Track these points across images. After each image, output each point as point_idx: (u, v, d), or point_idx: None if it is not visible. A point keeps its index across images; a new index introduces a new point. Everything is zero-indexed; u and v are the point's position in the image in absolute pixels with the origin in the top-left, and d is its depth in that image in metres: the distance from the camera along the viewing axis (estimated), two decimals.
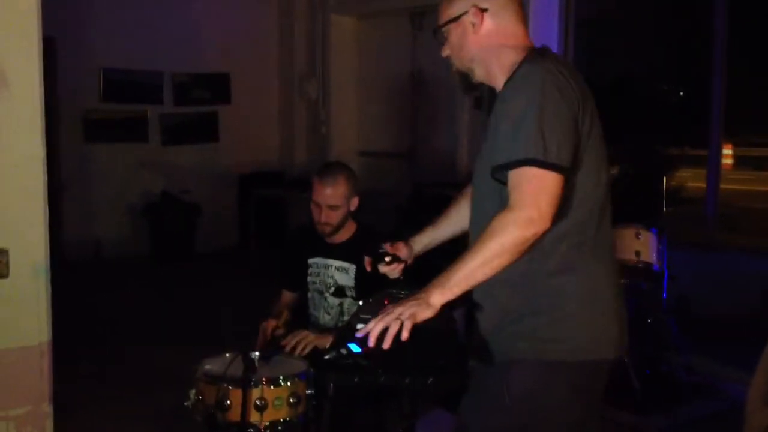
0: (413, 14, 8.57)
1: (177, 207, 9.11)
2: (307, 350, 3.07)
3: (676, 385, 4.99)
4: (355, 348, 1.97)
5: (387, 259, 2.55)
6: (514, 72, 2.16)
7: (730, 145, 17.11)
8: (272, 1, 10.10)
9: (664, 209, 5.25)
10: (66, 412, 4.03)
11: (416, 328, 1.98)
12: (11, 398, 3.33)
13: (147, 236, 9.10)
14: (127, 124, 9.17)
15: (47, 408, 3.40)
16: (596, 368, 2.19)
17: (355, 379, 1.96)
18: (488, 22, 2.25)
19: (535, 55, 2.19)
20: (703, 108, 6.77)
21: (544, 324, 2.13)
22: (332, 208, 3.35)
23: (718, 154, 6.66)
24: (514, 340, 2.15)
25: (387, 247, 2.60)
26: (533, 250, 2.09)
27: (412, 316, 1.99)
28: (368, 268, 2.60)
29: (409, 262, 2.61)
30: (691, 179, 9.41)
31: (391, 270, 2.57)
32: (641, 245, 4.93)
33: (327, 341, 3.02)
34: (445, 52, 2.35)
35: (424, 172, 8.49)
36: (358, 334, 1.98)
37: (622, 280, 4.94)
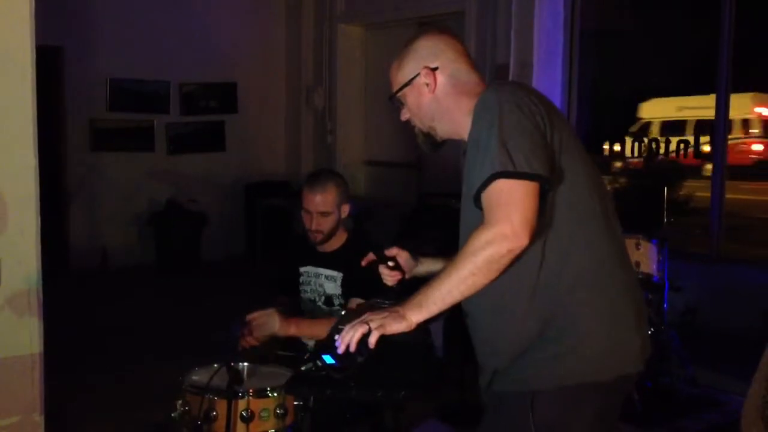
0: (420, 24, 8.57)
1: (183, 216, 9.12)
2: (261, 334, 3.06)
3: (678, 397, 4.95)
4: (329, 360, 1.95)
5: (390, 263, 2.51)
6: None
7: None
8: (280, 10, 10.13)
9: (666, 220, 5.19)
10: (59, 421, 4.04)
11: (390, 342, 1.96)
12: (2, 408, 3.34)
13: (153, 245, 9.12)
14: (134, 133, 9.20)
15: (38, 418, 3.41)
16: (621, 384, 2.16)
17: (328, 392, 1.93)
18: (441, 79, 2.27)
19: (490, 86, 2.20)
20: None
21: (566, 349, 2.08)
22: (323, 215, 3.35)
23: (723, 165, 6.62)
24: (537, 368, 2.10)
25: (393, 251, 2.55)
26: (545, 274, 2.07)
27: (382, 326, 1.96)
28: (363, 263, 2.56)
29: (408, 276, 2.56)
30: (702, 189, 9.34)
31: (391, 276, 2.52)
32: (641, 256, 4.89)
33: (285, 329, 3.05)
34: (405, 116, 2.37)
35: (431, 183, 8.48)
36: (339, 350, 1.96)
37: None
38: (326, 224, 3.37)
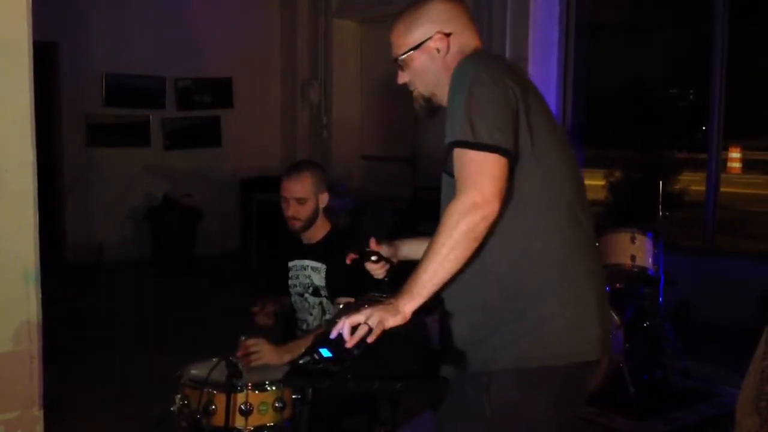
0: None
1: (178, 211, 9.12)
2: (256, 363, 3.01)
3: (673, 390, 4.97)
4: (326, 353, 1.96)
5: (374, 258, 2.51)
6: None
7: (738, 149, 17.09)
8: (275, 5, 10.12)
9: (661, 213, 5.21)
10: (57, 416, 4.05)
11: (386, 333, 1.97)
12: (1, 402, 3.35)
13: (149, 240, 9.12)
14: (129, 128, 9.19)
15: (37, 412, 3.43)
16: (579, 371, 2.15)
17: (325, 384, 1.94)
18: (453, 47, 2.24)
19: (470, 55, 2.20)
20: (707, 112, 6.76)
21: (525, 331, 2.09)
22: (299, 201, 3.37)
23: (717, 159, 6.66)
24: (496, 350, 2.11)
25: (372, 244, 2.56)
26: (509, 252, 2.07)
27: (381, 322, 1.97)
28: (347, 261, 2.58)
29: (395, 262, 2.57)
30: (698, 183, 9.43)
31: (377, 269, 2.53)
32: (636, 249, 4.90)
33: (280, 359, 3.02)
34: (403, 79, 2.31)
35: (425, 176, 8.49)
36: (331, 335, 1.97)
37: (618, 285, 5.02)
38: (303, 212, 3.39)
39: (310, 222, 3.42)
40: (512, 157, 2.01)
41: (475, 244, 2.00)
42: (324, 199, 3.44)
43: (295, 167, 3.49)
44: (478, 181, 1.95)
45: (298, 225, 3.41)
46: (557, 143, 2.16)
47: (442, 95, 2.27)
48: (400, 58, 2.29)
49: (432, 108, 2.33)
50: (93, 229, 9.02)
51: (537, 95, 2.18)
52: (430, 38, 2.23)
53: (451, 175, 2.07)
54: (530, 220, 2.08)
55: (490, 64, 2.10)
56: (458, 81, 2.09)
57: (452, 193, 2.05)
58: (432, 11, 2.25)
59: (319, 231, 3.47)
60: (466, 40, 2.25)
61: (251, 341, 3.04)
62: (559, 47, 7.26)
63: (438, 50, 2.23)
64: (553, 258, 2.10)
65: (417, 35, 2.25)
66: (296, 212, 3.39)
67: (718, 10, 6.48)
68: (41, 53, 3.30)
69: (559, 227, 2.12)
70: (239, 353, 2.92)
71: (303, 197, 3.37)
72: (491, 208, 1.96)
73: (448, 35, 2.23)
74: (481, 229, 1.98)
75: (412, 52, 2.26)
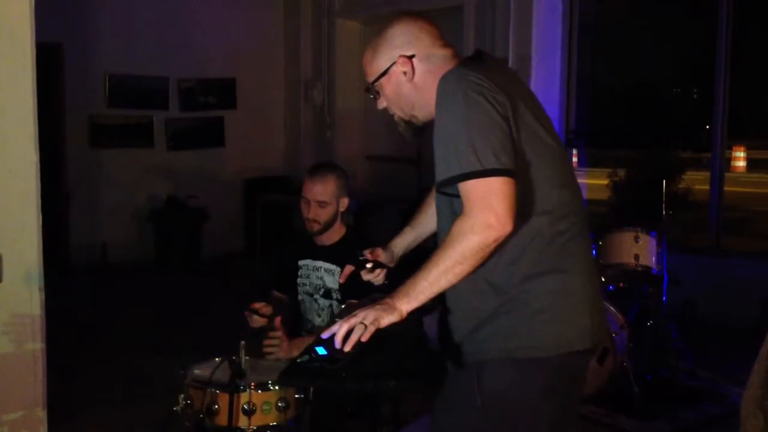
0: None
1: (183, 212, 9.12)
2: (271, 356, 3.05)
3: (677, 389, 4.97)
4: (321, 351, 1.97)
5: (369, 266, 2.53)
6: None
7: (743, 148, 17.08)
8: (278, 6, 10.13)
9: (665, 212, 5.21)
10: (61, 416, 4.06)
11: (383, 332, 1.98)
12: (5, 403, 3.36)
13: (153, 241, 9.12)
14: (133, 129, 9.20)
15: (41, 413, 3.43)
16: (570, 361, 2.17)
17: (321, 382, 1.95)
18: (419, 67, 2.26)
19: (455, 66, 2.19)
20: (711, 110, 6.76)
21: (516, 323, 2.12)
22: (321, 204, 3.35)
23: (722, 158, 6.65)
24: (487, 341, 2.15)
25: (367, 254, 2.58)
26: (501, 258, 2.09)
27: (376, 320, 2.00)
28: (341, 281, 2.59)
29: (392, 266, 2.60)
30: (702, 182, 9.42)
31: (375, 277, 2.56)
32: (640, 249, 4.91)
33: (290, 354, 3.03)
34: (381, 104, 2.36)
35: (430, 177, 8.45)
36: (323, 335, 1.99)
37: (622, 284, 5.02)
38: (323, 214, 3.36)
39: (329, 225, 3.40)
40: (516, 176, 2.03)
41: (481, 262, 2.03)
42: (345, 203, 3.42)
43: (320, 169, 3.44)
44: (492, 203, 1.98)
45: (316, 228, 3.38)
46: (544, 145, 2.17)
47: (422, 115, 2.31)
48: (372, 86, 2.33)
49: (415, 129, 2.36)
50: (97, 230, 9.03)
51: (526, 95, 2.20)
52: (394, 63, 2.27)
53: (448, 194, 2.10)
54: (521, 219, 2.09)
55: (479, 81, 2.07)
56: (447, 102, 2.09)
57: (445, 209, 2.10)
58: (392, 36, 2.29)
59: (335, 234, 3.45)
60: (433, 57, 2.26)
61: (274, 333, 3.08)
62: (562, 46, 7.26)
63: (405, 73, 2.26)
64: (544, 262, 2.13)
65: (381, 62, 2.29)
66: (316, 215, 3.36)
67: (722, 9, 6.47)
68: (45, 54, 3.30)
69: (549, 230, 2.14)
70: (266, 341, 3.00)
71: (324, 201, 3.35)
72: (505, 231, 1.99)
73: (411, 57, 2.25)
74: (492, 249, 2.02)
75: (380, 79, 2.30)
